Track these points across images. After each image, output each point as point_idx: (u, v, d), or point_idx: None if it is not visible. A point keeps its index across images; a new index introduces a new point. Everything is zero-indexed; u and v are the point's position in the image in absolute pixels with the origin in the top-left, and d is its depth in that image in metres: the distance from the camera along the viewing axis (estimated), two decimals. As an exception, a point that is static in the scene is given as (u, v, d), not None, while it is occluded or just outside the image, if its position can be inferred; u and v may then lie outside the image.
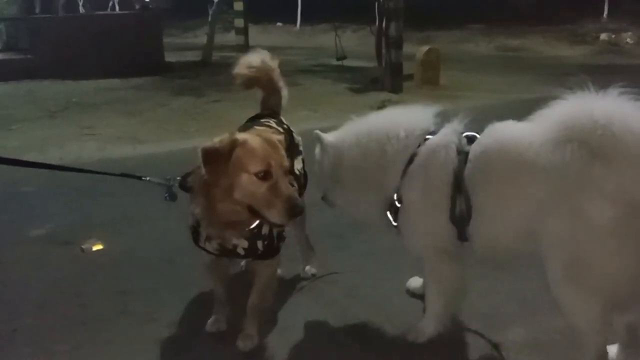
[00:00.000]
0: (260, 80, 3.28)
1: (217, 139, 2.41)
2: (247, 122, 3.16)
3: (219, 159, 2.36)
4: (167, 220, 4.02)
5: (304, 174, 3.18)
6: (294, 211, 2.36)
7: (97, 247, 3.94)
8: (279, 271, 3.01)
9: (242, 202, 2.40)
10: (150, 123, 8.22)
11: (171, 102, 9.68)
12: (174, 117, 8.57)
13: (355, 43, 16.75)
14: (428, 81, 10.80)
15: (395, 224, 2.70)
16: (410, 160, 2.62)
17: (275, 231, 2.68)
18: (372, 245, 3.78)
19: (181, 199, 2.77)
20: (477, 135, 2.54)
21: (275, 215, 2.36)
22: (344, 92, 10.70)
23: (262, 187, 2.36)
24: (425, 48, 11.14)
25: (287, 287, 3.35)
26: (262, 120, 3.08)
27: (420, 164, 2.59)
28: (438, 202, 2.52)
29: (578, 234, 2.18)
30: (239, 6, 14.52)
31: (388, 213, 2.71)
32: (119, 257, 3.84)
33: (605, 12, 19.38)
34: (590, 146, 2.15)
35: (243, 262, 3.36)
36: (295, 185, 2.94)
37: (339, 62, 13.45)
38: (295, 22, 23.65)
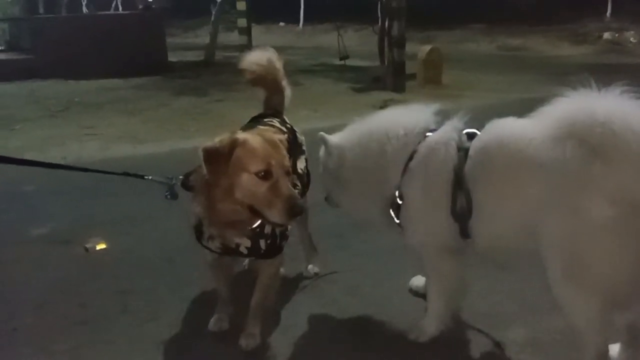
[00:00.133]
0: (265, 80, 3.28)
1: (218, 139, 2.41)
2: (250, 121, 3.16)
3: (219, 159, 2.36)
4: (169, 219, 4.03)
5: (307, 173, 3.18)
6: (294, 211, 2.36)
7: (101, 246, 3.94)
8: (281, 270, 3.00)
9: (243, 202, 2.40)
10: (151, 123, 8.23)
11: (173, 102, 9.69)
12: (176, 117, 8.58)
13: (358, 42, 16.74)
14: (430, 80, 10.80)
15: (397, 221, 2.70)
16: (411, 157, 2.62)
17: (278, 230, 2.67)
18: (372, 245, 3.78)
19: (182, 198, 2.78)
20: (478, 132, 2.53)
21: (275, 215, 2.36)
22: (347, 91, 10.70)
23: (262, 187, 2.36)
24: (427, 47, 11.14)
25: (290, 286, 3.34)
26: (265, 120, 3.08)
27: (420, 160, 2.60)
28: (438, 199, 2.51)
29: (577, 232, 2.17)
30: (241, 6, 14.46)
31: (391, 211, 2.71)
32: (119, 256, 3.84)
33: (609, 11, 19.35)
34: (590, 144, 2.14)
35: (246, 261, 3.36)
36: (299, 184, 2.95)
37: (342, 62, 13.46)
38: (297, 22, 23.69)
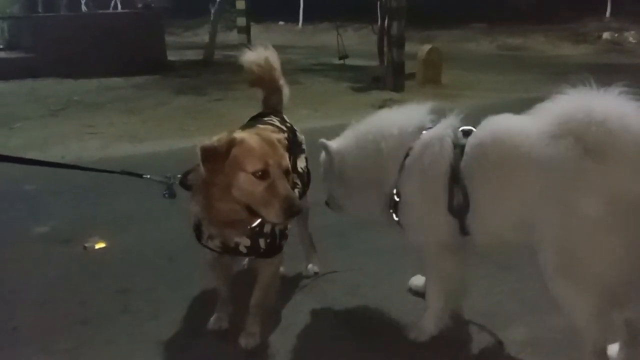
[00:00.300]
0: (263, 80, 3.28)
1: (215, 138, 2.42)
2: (250, 120, 3.17)
3: (217, 158, 2.36)
4: (169, 219, 4.03)
5: (307, 172, 3.18)
6: (292, 211, 2.36)
7: (100, 245, 3.95)
8: (281, 269, 3.01)
9: (241, 201, 2.40)
10: (151, 122, 8.22)
11: (172, 101, 9.68)
12: (175, 116, 8.57)
13: (357, 42, 16.75)
14: (430, 80, 10.80)
15: (396, 219, 2.72)
16: (407, 155, 2.64)
17: (277, 229, 2.67)
18: (372, 245, 3.79)
19: (181, 197, 2.78)
20: (474, 129, 2.55)
21: (272, 214, 2.36)
22: (346, 91, 10.70)
23: (259, 187, 2.36)
24: (427, 47, 11.15)
25: (290, 285, 3.35)
26: (265, 119, 3.08)
27: (415, 157, 2.61)
28: (435, 195, 2.53)
29: (571, 229, 2.19)
30: (241, 5, 14.49)
31: (390, 210, 2.72)
32: (119, 255, 3.84)
33: (608, 11, 19.36)
34: (586, 142, 2.16)
35: (246, 261, 3.36)
36: (299, 183, 2.95)
37: (341, 61, 13.46)
38: (297, 21, 23.68)
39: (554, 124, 2.25)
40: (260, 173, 2.36)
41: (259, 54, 3.26)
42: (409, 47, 10.76)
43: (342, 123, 3.03)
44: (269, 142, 2.46)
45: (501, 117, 2.51)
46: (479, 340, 2.84)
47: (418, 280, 3.22)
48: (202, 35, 18.95)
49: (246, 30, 14.63)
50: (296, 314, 3.08)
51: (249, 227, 2.57)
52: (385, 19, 10.59)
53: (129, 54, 11.80)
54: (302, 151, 3.19)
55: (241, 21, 14.72)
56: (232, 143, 2.39)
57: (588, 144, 2.15)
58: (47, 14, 15.41)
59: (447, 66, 11.30)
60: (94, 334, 2.95)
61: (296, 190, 2.77)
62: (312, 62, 14.66)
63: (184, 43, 19.01)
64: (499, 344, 2.80)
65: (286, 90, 3.36)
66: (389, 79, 10.46)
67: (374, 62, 11.56)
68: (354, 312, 3.13)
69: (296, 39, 21.43)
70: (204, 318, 2.95)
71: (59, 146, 6.81)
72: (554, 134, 2.23)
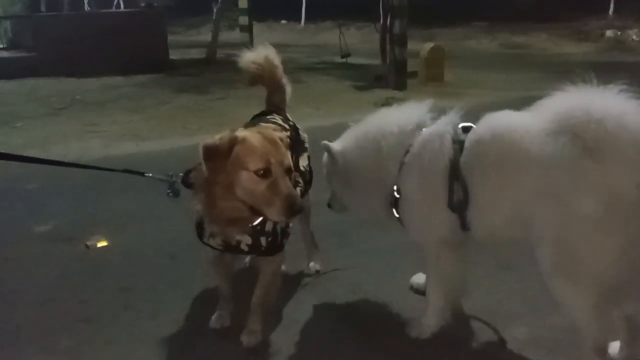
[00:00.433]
0: (264, 78, 3.28)
1: (218, 136, 2.41)
2: (252, 118, 3.17)
3: (218, 156, 2.36)
4: (170, 217, 4.03)
5: (310, 171, 3.18)
6: (293, 209, 2.36)
7: (102, 243, 3.96)
8: (283, 267, 3.00)
9: (243, 200, 2.40)
10: (153, 120, 8.23)
11: (174, 100, 9.69)
12: (178, 115, 8.58)
13: (359, 40, 16.74)
14: (432, 78, 10.79)
15: (397, 215, 2.72)
16: (406, 152, 2.65)
17: (279, 228, 2.67)
18: (373, 244, 3.79)
19: (182, 195, 2.78)
20: (474, 126, 2.55)
21: (274, 213, 2.37)
22: (348, 89, 10.70)
23: (261, 185, 2.36)
24: (429, 45, 11.14)
25: (292, 283, 3.35)
26: (268, 117, 3.08)
27: (414, 153, 2.62)
28: (434, 191, 2.53)
29: (567, 226, 2.19)
30: (243, 4, 14.50)
31: (393, 208, 2.72)
32: (121, 254, 3.84)
33: (611, 9, 19.29)
34: (583, 139, 2.16)
35: (247, 259, 3.37)
36: (301, 181, 2.95)
37: (343, 60, 13.47)
38: (299, 20, 23.66)
39: (553, 121, 2.26)
40: (262, 172, 2.36)
41: (257, 53, 3.26)
42: (411, 46, 10.75)
43: (344, 121, 3.04)
44: (271, 141, 2.46)
45: (501, 113, 2.52)
46: (480, 339, 2.83)
47: (419, 279, 3.22)
48: (205, 34, 18.96)
49: (248, 29, 14.64)
50: (298, 312, 3.08)
51: (250, 226, 2.57)
52: (387, 18, 10.60)
53: (131, 53, 11.80)
54: (305, 149, 3.18)
55: (243, 20, 14.74)
56: (234, 141, 2.39)
57: (587, 142, 2.15)
58: (49, 13, 15.45)
59: (449, 64, 11.29)
60: (95, 332, 2.95)
61: (298, 189, 2.78)
62: (315, 61, 14.65)
63: (186, 42, 19.00)
64: (501, 342, 2.79)
65: (289, 89, 3.37)
66: (391, 78, 10.46)
67: (376, 61, 11.56)
68: (356, 310, 3.13)
69: (298, 37, 21.42)
70: (206, 316, 2.96)
71: (60, 145, 6.81)
72: (552, 131, 2.24)
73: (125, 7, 19.62)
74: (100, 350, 2.82)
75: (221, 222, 2.52)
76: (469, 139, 2.50)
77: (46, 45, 11.98)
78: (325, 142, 2.93)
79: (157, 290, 3.36)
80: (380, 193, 2.75)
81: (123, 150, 6.59)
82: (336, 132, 3.04)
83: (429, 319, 2.79)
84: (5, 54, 13.30)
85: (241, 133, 2.45)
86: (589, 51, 16.67)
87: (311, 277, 3.45)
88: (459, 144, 2.51)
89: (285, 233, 2.74)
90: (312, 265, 3.50)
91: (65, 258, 3.80)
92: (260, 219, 2.54)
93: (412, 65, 10.73)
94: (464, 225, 2.52)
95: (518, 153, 2.32)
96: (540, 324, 2.87)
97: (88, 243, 3.93)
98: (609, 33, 17.99)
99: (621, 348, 2.53)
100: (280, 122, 3.04)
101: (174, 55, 14.14)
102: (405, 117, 2.75)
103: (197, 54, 15.23)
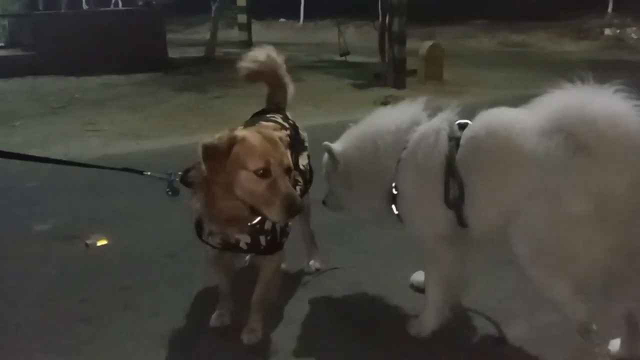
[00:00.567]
0: (265, 75, 3.28)
1: (217, 136, 2.41)
2: (252, 117, 3.17)
3: (218, 156, 2.36)
4: (170, 216, 4.03)
5: (310, 170, 3.18)
6: (292, 209, 2.37)
7: (102, 242, 3.96)
8: (283, 266, 3.01)
9: (242, 199, 2.40)
10: (152, 119, 8.23)
11: (174, 98, 9.69)
12: (177, 113, 8.58)
13: (358, 39, 16.72)
14: (431, 77, 10.79)
15: (396, 212, 2.73)
16: (404, 149, 2.66)
17: (278, 227, 2.68)
18: (373, 243, 3.79)
19: (182, 194, 2.78)
20: (470, 123, 2.57)
21: (273, 213, 2.37)
22: (347, 87, 10.70)
23: (260, 185, 2.36)
24: (428, 44, 11.14)
25: (292, 281, 3.35)
26: (268, 116, 3.08)
27: (411, 150, 2.64)
28: (431, 187, 2.55)
29: (551, 221, 2.23)
30: (242, 2, 14.47)
31: (392, 205, 2.73)
32: (120, 253, 3.84)
33: (610, 7, 19.28)
34: (576, 138, 2.18)
35: (247, 257, 3.36)
36: (301, 181, 2.95)
37: (342, 58, 13.46)
38: (298, 18, 23.64)
39: (548, 119, 2.28)
40: (261, 171, 2.36)
41: (259, 52, 3.26)
42: (410, 44, 10.75)
43: (344, 120, 3.05)
44: (271, 140, 2.46)
45: (497, 110, 2.54)
46: (480, 336, 2.84)
47: (419, 277, 3.23)
48: (203, 33, 18.92)
49: (247, 27, 14.61)
50: (298, 310, 3.09)
51: (249, 224, 2.57)
52: (386, 16, 10.58)
53: (130, 52, 11.80)
54: (305, 149, 3.19)
55: (242, 18, 14.71)
56: (233, 141, 2.39)
57: (580, 141, 2.17)
58: (48, 12, 15.39)
59: (448, 63, 11.28)
60: (95, 331, 2.96)
61: (298, 188, 2.78)
62: (314, 59, 14.65)
63: (185, 40, 18.97)
64: (501, 339, 2.80)
65: (291, 88, 3.37)
66: (390, 76, 10.46)
67: (375, 59, 11.55)
68: (356, 308, 3.14)
69: (297, 36, 21.42)
70: (206, 315, 2.96)
71: (60, 144, 6.81)
72: (546, 129, 2.26)
73: (123, 6, 19.54)
74: (100, 348, 2.82)
75: (220, 221, 2.52)
76: (465, 135, 2.52)
77: (45, 44, 11.97)
78: (327, 143, 2.94)
79: (157, 289, 3.37)
80: (379, 191, 2.76)
81: (122, 149, 6.59)
82: (336, 130, 3.04)
83: (428, 317, 2.80)
84: (4, 52, 13.28)
85: (240, 132, 2.45)
86: (588, 49, 16.67)
87: (311, 276, 3.46)
88: (455, 141, 2.53)
89: (284, 232, 2.74)
90: (312, 263, 3.50)
91: (65, 257, 3.80)
92: (260, 217, 2.55)
93: (411, 64, 10.73)
94: (461, 222, 2.53)
95: (512, 150, 2.33)
96: (539, 322, 2.87)
97: (88, 242, 3.93)
98: (608, 31, 17.98)
99: (622, 345, 2.54)
100: (280, 120, 3.04)
101: (172, 53, 14.13)
102: (402, 115, 2.77)
103: (195, 52, 15.21)
